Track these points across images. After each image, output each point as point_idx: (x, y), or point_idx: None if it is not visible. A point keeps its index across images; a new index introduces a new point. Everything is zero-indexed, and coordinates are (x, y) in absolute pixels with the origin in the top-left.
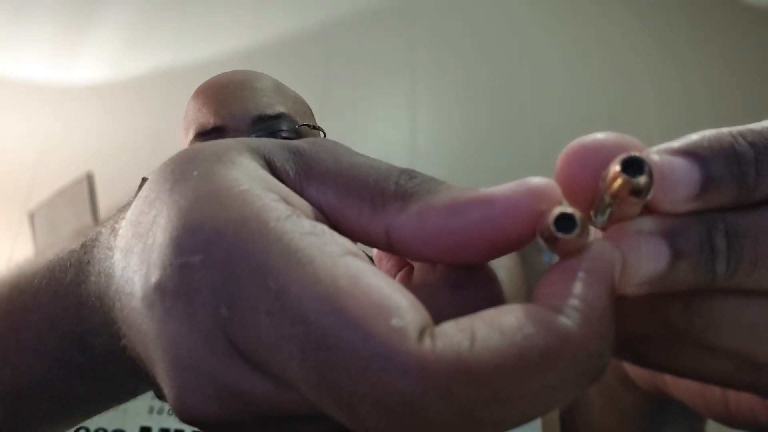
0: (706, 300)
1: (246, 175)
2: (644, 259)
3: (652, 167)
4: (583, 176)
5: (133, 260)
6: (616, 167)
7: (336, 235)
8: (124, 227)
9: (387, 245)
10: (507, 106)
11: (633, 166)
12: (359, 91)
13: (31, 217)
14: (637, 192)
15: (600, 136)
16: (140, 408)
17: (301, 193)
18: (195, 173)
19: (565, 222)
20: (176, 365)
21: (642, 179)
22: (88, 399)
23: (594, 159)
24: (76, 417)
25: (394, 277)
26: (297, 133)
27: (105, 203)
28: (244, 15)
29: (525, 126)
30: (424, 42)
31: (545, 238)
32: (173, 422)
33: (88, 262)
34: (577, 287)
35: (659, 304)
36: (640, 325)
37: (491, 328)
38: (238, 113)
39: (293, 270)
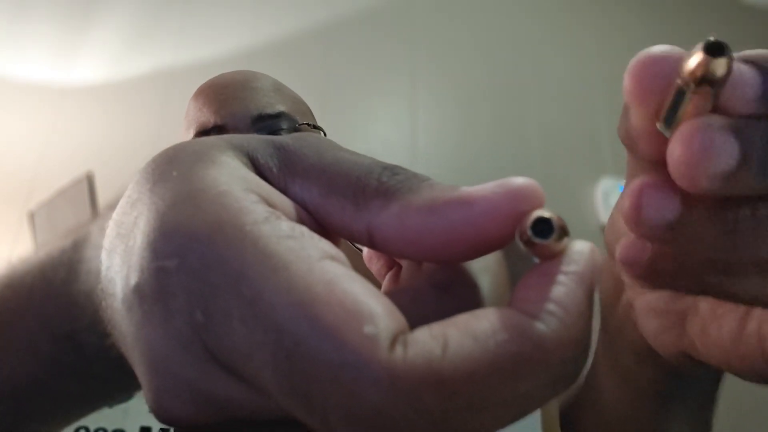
0: None
1: (226, 174)
2: (717, 151)
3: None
4: (653, 83)
5: (116, 261)
6: (698, 52)
7: (315, 238)
8: (110, 226)
9: (369, 243)
10: (507, 106)
11: (715, 47)
12: (359, 91)
13: (31, 217)
14: (715, 76)
15: (666, 47)
16: (140, 408)
17: (284, 190)
18: (174, 173)
19: (542, 226)
20: (153, 368)
21: (723, 61)
22: (82, 397)
23: (663, 66)
24: (71, 415)
25: (384, 277)
26: (297, 132)
27: (105, 203)
28: (244, 15)
29: (525, 126)
30: (424, 42)
31: (524, 241)
32: None
33: (79, 260)
34: (554, 291)
35: (727, 211)
36: (704, 247)
37: (464, 335)
38: (238, 113)
39: (268, 276)
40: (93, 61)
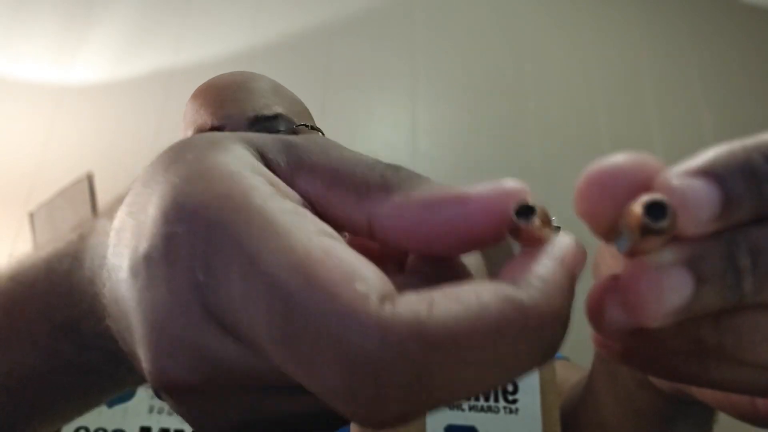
0: (735, 316)
1: (236, 159)
2: (667, 292)
3: (673, 193)
4: (602, 204)
5: (125, 236)
6: (638, 210)
7: (317, 219)
8: (120, 209)
9: (368, 233)
10: (507, 106)
11: (656, 209)
12: (359, 92)
13: (31, 217)
14: (660, 232)
15: (618, 160)
16: (140, 408)
17: (290, 184)
18: (189, 156)
19: (525, 211)
20: (152, 330)
21: (665, 223)
22: (79, 391)
23: (613, 186)
24: (68, 411)
25: None
26: (294, 133)
27: (105, 203)
28: (244, 15)
29: (525, 126)
30: (424, 42)
31: (510, 230)
32: (173, 422)
33: (84, 249)
34: (537, 269)
35: (689, 323)
36: (671, 343)
37: (449, 297)
38: (234, 114)
39: (270, 239)
40: (93, 61)
